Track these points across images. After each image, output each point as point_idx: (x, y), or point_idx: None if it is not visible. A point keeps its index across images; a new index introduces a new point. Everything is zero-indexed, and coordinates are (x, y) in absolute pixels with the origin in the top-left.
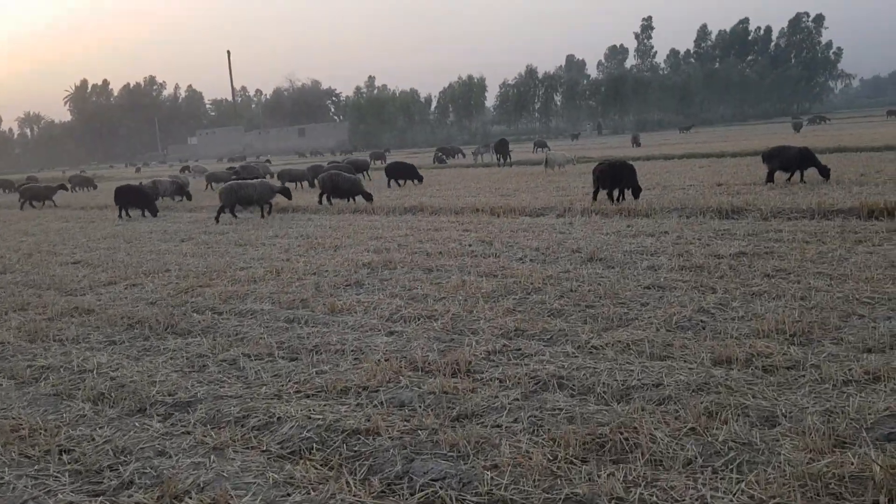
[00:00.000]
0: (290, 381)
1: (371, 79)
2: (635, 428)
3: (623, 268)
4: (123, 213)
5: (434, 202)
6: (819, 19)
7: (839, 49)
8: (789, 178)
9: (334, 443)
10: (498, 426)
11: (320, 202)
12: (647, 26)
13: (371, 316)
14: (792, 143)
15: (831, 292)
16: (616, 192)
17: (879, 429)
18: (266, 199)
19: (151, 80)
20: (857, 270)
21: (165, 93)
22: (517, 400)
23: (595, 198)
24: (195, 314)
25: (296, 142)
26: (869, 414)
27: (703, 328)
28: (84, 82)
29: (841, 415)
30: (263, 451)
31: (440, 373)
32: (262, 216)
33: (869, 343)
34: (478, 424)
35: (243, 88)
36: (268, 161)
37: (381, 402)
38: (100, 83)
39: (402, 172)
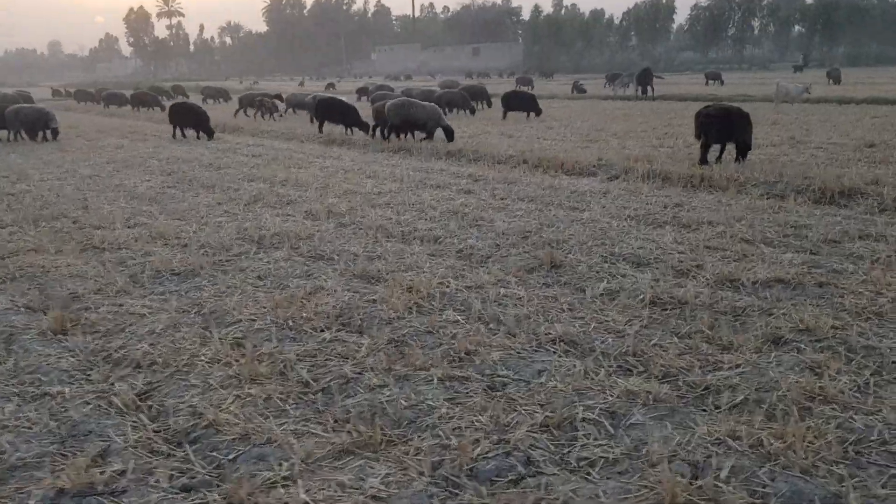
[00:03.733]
0: None
1: None
2: None
3: (568, 287)
4: (178, 132)
5: (491, 145)
6: None
7: None
8: None
9: None
10: None
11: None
12: None
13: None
14: None
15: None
16: (718, 149)
17: None
18: (435, 125)
19: None
20: None
21: (355, 7)
22: None
23: (705, 157)
24: None
25: (470, 61)
26: None
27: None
28: None
29: None
30: None
31: None
32: (426, 139)
33: None
34: None
35: (430, 5)
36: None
37: None
38: None
39: (519, 103)
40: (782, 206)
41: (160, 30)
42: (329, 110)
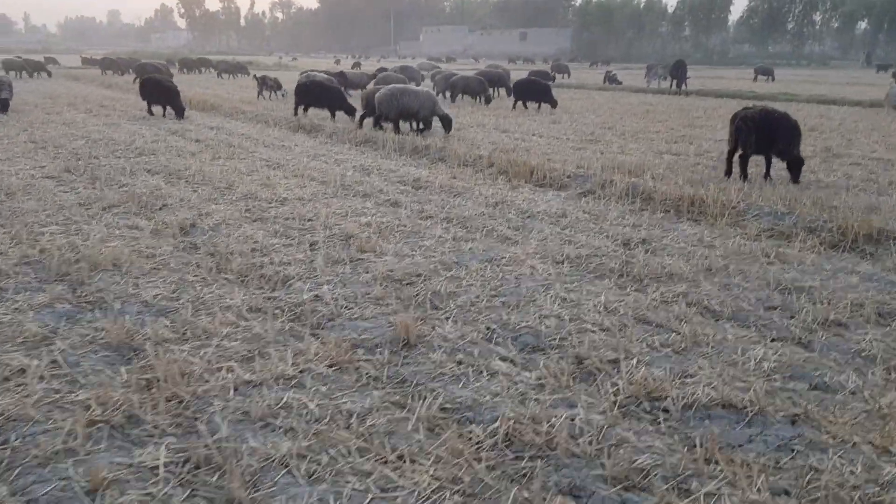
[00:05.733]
0: None
1: None
2: None
3: (388, 393)
4: (150, 108)
5: (471, 142)
6: None
7: None
8: None
9: None
10: None
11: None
12: None
13: None
14: None
15: None
16: (754, 159)
17: None
18: (430, 113)
19: None
20: None
21: None
22: None
23: (730, 167)
24: None
25: (516, 46)
26: None
27: None
28: None
29: None
30: None
31: None
32: (418, 133)
33: None
34: None
35: None
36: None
37: None
38: None
39: (531, 93)
40: (783, 253)
41: (213, 2)
42: (309, 93)
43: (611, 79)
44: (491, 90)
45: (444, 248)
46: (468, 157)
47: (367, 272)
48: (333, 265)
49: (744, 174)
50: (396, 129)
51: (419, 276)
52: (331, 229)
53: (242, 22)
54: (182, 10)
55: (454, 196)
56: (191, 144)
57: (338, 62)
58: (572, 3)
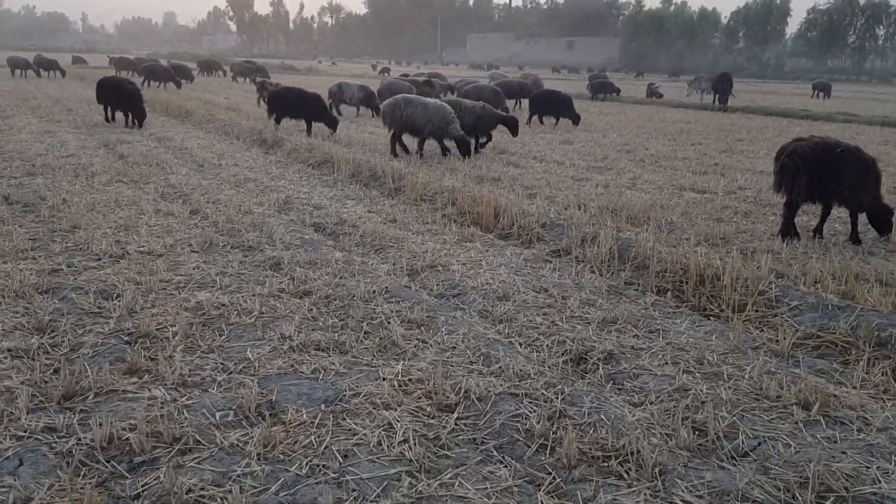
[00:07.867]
0: None
1: None
2: None
3: None
4: (110, 114)
5: (446, 167)
6: None
7: None
8: None
9: None
10: None
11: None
12: None
13: None
14: None
15: None
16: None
17: None
18: (437, 132)
19: None
20: None
21: None
22: None
23: (789, 224)
24: None
25: (563, 55)
26: None
27: None
28: None
29: None
30: None
31: None
32: (443, 153)
33: None
34: None
35: None
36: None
37: None
38: None
39: (551, 106)
40: (833, 398)
41: (262, 6)
42: (284, 103)
43: (653, 92)
44: (511, 102)
45: (270, 368)
46: (428, 190)
47: (77, 439)
48: (38, 415)
49: (786, 230)
50: (393, 149)
51: (167, 447)
52: (131, 318)
53: (291, 26)
54: (231, 14)
55: (374, 252)
56: (106, 161)
57: (374, 67)
58: (622, 11)
